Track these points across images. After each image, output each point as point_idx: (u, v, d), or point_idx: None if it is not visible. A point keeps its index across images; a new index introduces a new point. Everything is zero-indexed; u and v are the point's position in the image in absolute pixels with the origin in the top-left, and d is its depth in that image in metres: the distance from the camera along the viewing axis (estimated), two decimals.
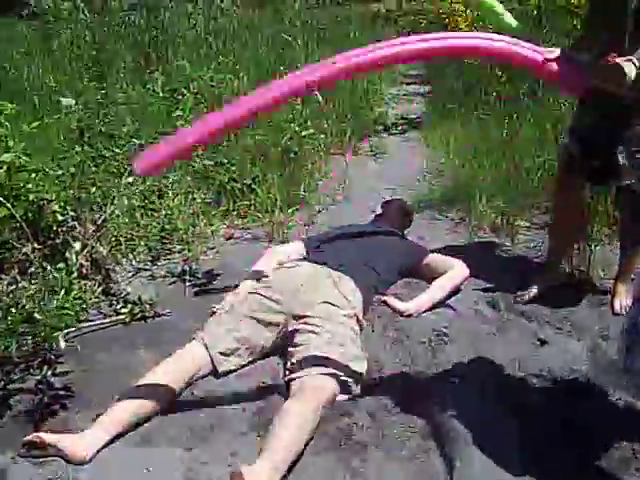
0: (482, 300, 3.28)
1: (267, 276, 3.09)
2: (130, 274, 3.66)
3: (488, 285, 3.39)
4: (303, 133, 4.69)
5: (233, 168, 4.22)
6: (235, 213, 4.31)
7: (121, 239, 3.81)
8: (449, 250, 3.75)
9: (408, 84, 9.47)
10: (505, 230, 4.02)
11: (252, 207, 4.37)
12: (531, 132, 4.71)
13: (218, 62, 6.57)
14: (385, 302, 3.16)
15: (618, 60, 2.60)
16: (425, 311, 3.14)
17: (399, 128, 6.98)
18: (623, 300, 3.14)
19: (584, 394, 2.59)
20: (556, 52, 2.77)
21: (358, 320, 2.89)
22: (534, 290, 3.27)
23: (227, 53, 7.22)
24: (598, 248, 3.54)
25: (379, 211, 3.86)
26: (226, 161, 4.04)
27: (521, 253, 3.81)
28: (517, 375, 2.71)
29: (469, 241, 3.98)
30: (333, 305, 2.81)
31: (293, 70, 6.54)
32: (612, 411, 2.48)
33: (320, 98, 5.46)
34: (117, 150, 3.94)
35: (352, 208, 4.59)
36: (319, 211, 4.50)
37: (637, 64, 2.61)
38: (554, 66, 2.76)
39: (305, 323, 2.75)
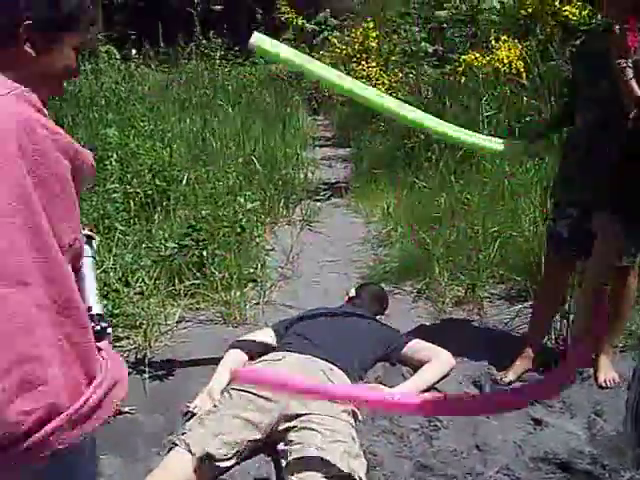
0: (466, 381, 3.20)
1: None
2: None
3: (468, 364, 3.31)
4: (248, 206, 4.51)
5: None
6: (186, 294, 4.07)
7: None
8: (418, 328, 3.70)
9: (322, 147, 9.46)
10: (471, 303, 3.96)
11: (201, 286, 4.15)
12: (479, 200, 4.72)
13: (138, 129, 6.32)
14: None
15: None
16: None
17: (323, 194, 6.90)
18: (608, 373, 3.13)
19: (595, 478, 2.53)
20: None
21: (355, 414, 2.73)
22: (516, 370, 3.21)
23: (142, 118, 6.97)
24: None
25: (352, 294, 3.73)
26: (191, 242, 3.81)
27: (491, 327, 3.76)
28: (522, 460, 2.63)
29: (435, 316, 3.89)
30: (332, 401, 2.64)
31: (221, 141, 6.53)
32: None
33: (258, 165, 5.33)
34: None
35: (303, 283, 4.45)
36: (270, 287, 4.32)
37: None
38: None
39: (302, 420, 2.56)
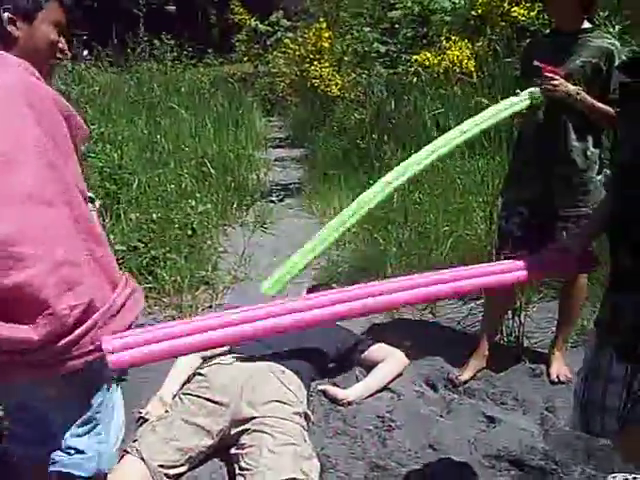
0: (420, 380, 3.20)
1: (203, 375, 2.82)
2: None
3: (422, 363, 3.31)
4: (200, 208, 4.46)
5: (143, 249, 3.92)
6: None
7: None
8: (371, 328, 3.69)
9: (275, 148, 9.42)
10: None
11: (152, 290, 4.08)
12: (431, 200, 4.73)
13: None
14: (324, 391, 3.02)
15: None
16: (366, 397, 3.01)
17: (277, 195, 6.86)
18: (561, 369, 3.15)
19: (547, 473, 2.54)
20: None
21: (307, 416, 2.71)
22: (471, 368, 3.22)
23: (93, 121, 6.82)
24: (525, 315, 3.54)
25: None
26: (142, 245, 3.74)
27: (444, 326, 3.77)
28: (476, 459, 2.63)
29: (388, 316, 3.88)
30: (283, 403, 2.62)
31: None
32: None
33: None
34: None
35: (256, 285, 4.39)
36: (223, 290, 4.27)
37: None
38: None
39: (254, 423, 2.53)
